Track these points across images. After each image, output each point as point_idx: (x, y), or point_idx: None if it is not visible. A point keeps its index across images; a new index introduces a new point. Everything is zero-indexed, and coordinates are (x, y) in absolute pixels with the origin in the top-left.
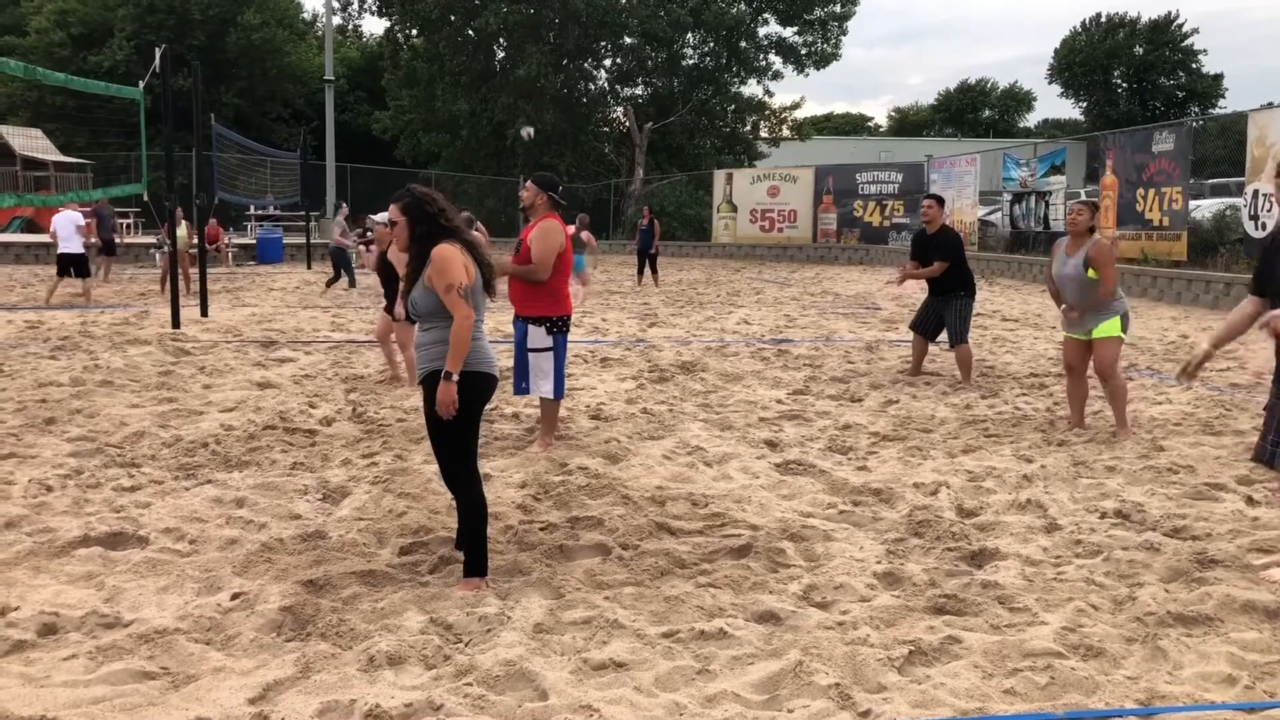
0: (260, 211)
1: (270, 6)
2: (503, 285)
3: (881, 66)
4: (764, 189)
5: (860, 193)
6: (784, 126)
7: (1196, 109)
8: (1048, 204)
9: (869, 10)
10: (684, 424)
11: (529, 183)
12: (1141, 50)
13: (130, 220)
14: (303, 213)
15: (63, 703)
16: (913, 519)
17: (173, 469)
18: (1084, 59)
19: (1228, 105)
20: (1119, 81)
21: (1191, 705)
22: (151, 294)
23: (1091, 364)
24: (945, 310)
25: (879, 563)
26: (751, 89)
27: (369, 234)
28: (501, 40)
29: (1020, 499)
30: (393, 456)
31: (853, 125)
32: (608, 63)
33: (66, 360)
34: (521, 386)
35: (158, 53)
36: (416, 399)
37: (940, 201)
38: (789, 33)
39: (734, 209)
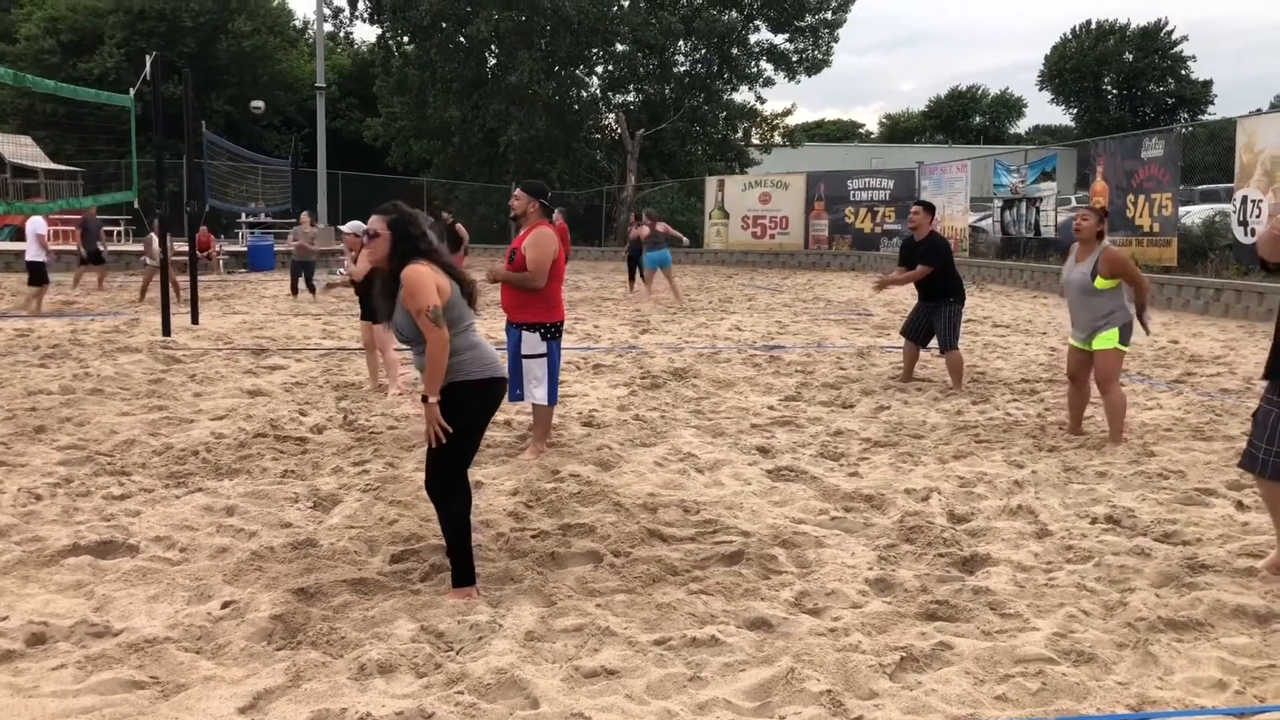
0: (251, 219)
1: (261, 13)
2: (496, 292)
3: (873, 73)
4: (756, 195)
5: (852, 199)
6: (776, 133)
7: (1186, 115)
8: (1038, 210)
9: (860, 17)
10: (676, 430)
11: (519, 190)
12: (1131, 57)
13: (121, 228)
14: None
15: (51, 713)
16: (904, 525)
17: (163, 477)
18: (1074, 65)
19: (1217, 112)
20: (1109, 88)
21: (1182, 710)
22: (138, 303)
23: (1093, 374)
24: (934, 317)
25: (870, 569)
26: (743, 96)
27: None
28: (493, 47)
29: (1011, 505)
30: (384, 464)
31: (844, 132)
32: (599, 69)
33: (56, 368)
34: (515, 393)
35: (148, 60)
36: (407, 407)
37: (928, 208)
38: (780, 40)
39: (726, 215)
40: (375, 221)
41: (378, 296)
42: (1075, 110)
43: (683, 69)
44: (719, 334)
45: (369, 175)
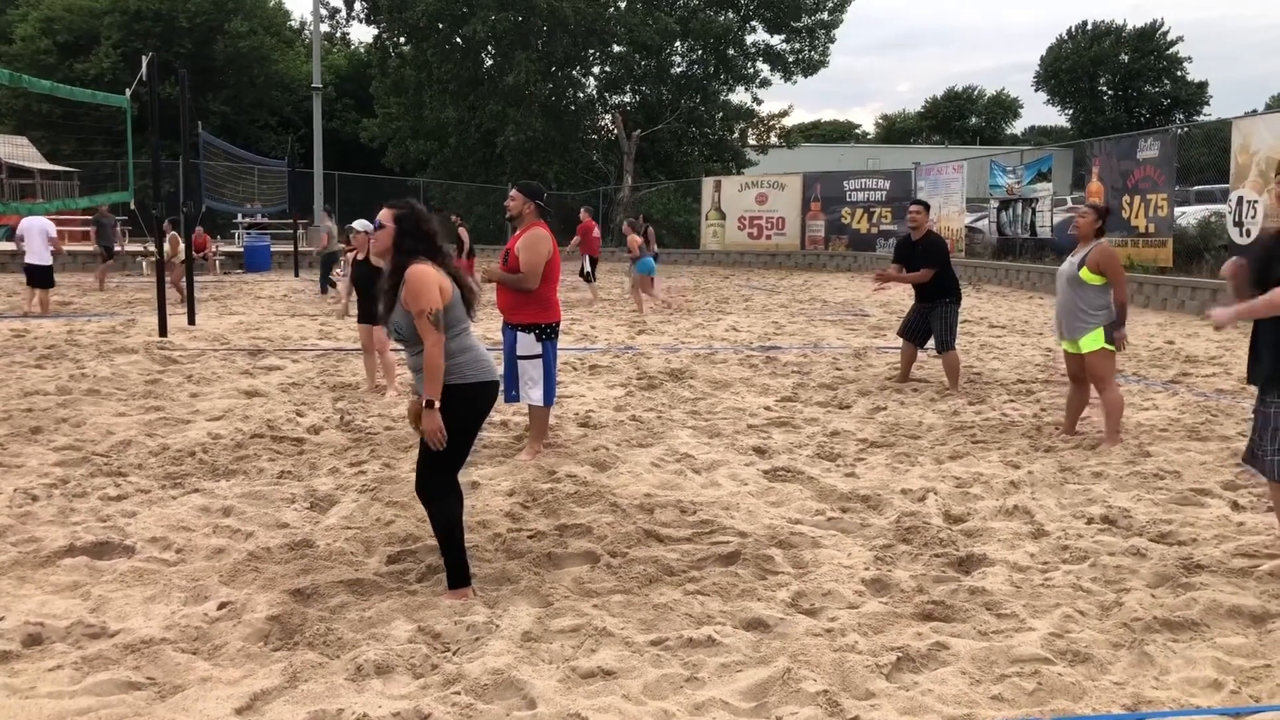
0: (248, 220)
1: (258, 14)
2: (492, 293)
3: (869, 74)
4: (752, 196)
5: (848, 200)
6: (772, 134)
7: (1181, 116)
8: (1034, 211)
9: (857, 18)
10: (672, 431)
11: (515, 191)
12: (1127, 58)
13: (118, 228)
14: (290, 221)
15: (48, 714)
16: (900, 525)
17: (159, 478)
18: (1070, 66)
19: (1212, 112)
20: (1105, 89)
21: (1178, 710)
22: (139, 302)
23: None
24: (931, 317)
25: (867, 569)
26: (740, 97)
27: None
28: (490, 48)
29: (1007, 505)
30: (380, 465)
31: (840, 133)
32: (596, 70)
33: (53, 369)
34: (511, 394)
35: (144, 60)
36: (404, 407)
37: (927, 207)
38: (777, 41)
39: (722, 216)
40: (384, 213)
41: (378, 295)
42: (1071, 111)
43: (679, 70)
44: (715, 335)
45: (366, 176)
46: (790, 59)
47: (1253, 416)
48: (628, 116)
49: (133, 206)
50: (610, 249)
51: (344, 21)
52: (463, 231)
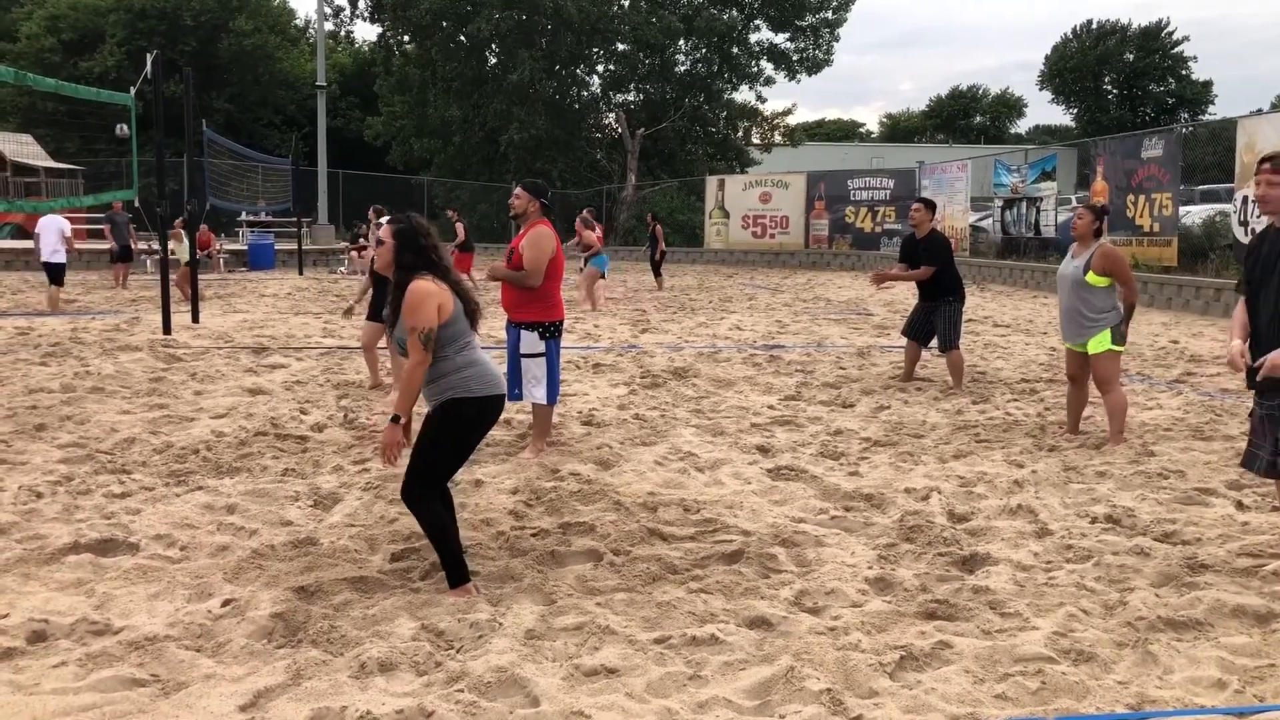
0: (251, 218)
1: (262, 12)
2: (497, 291)
3: (873, 73)
4: (756, 195)
5: (852, 199)
6: (776, 132)
7: (1186, 115)
8: (1039, 210)
9: (861, 17)
10: (676, 430)
11: (519, 189)
12: (1132, 57)
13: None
14: (294, 219)
15: (52, 710)
16: (904, 524)
17: (163, 475)
18: (1075, 65)
19: (1217, 112)
20: (1109, 88)
21: (1182, 710)
22: (142, 300)
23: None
24: (934, 316)
25: (870, 568)
26: (743, 95)
27: (360, 239)
28: (494, 46)
29: (1011, 504)
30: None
31: (845, 131)
32: (600, 69)
33: (57, 366)
34: (514, 392)
35: (149, 58)
36: None
37: (929, 206)
38: (781, 39)
39: (726, 215)
40: (384, 230)
41: (387, 298)
42: (1075, 110)
43: (683, 68)
44: (719, 333)
45: (370, 174)
46: (794, 57)
47: (1248, 419)
48: (631, 115)
49: (136, 204)
50: (612, 248)
51: (348, 20)
52: (459, 226)
